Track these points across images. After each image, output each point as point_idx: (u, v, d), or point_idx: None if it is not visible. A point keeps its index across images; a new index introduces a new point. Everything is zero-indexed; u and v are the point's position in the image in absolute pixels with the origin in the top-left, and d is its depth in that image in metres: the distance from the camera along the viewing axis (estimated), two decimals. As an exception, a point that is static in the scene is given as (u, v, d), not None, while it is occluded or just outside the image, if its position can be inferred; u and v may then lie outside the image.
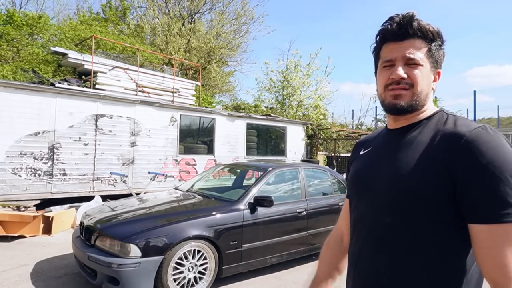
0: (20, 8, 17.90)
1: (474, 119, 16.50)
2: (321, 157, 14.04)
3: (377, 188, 1.00)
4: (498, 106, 17.92)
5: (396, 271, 0.92)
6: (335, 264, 1.28)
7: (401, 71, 0.96)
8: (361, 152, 1.18)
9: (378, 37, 1.04)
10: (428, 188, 0.88)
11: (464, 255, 0.87)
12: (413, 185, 0.90)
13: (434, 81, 1.02)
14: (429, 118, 1.00)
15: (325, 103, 19.30)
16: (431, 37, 0.97)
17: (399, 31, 0.97)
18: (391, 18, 1.00)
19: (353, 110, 27.47)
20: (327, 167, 6.35)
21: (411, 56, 0.96)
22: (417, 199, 0.90)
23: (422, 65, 0.96)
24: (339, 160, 13.89)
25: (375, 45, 1.06)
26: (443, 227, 0.88)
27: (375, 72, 1.09)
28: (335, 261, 1.28)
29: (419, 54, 0.96)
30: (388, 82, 0.99)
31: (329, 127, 15.37)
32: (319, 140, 14.31)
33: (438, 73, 1.02)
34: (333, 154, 14.36)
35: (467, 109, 17.59)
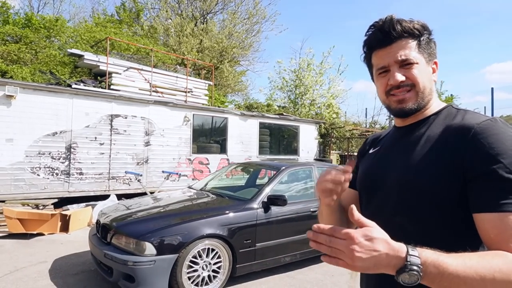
0: (38, 12, 18.41)
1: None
2: (334, 156, 13.93)
3: (386, 187, 1.00)
4: (517, 103, 17.41)
5: None
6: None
7: (398, 76, 0.96)
8: (371, 151, 1.18)
9: (365, 47, 1.04)
10: (437, 185, 0.86)
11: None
12: (422, 183, 0.89)
13: (433, 72, 1.01)
14: (437, 113, 1.00)
15: (338, 102, 19.10)
16: (417, 34, 0.96)
17: (384, 37, 0.97)
18: (373, 26, 1.00)
19: (366, 109, 27.09)
20: (340, 166, 6.28)
21: (404, 57, 0.95)
22: (426, 197, 0.88)
23: (417, 63, 0.96)
24: (352, 159, 13.73)
25: (364, 55, 1.07)
26: (454, 225, 0.86)
27: (372, 79, 1.09)
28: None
29: (411, 53, 0.95)
30: (388, 88, 0.99)
31: (342, 126, 15.22)
32: (332, 139, 14.20)
33: (435, 64, 1.01)
34: (346, 153, 14.22)
35: (485, 107, 17.07)
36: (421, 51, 0.97)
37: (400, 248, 0.70)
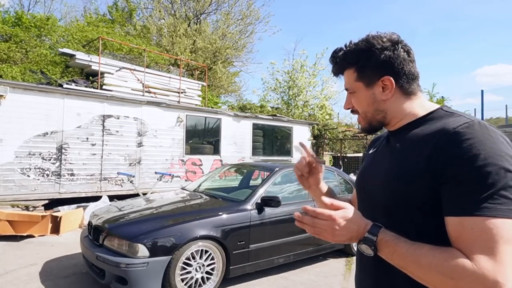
0: (29, 10, 18.15)
1: (482, 119, 16.22)
2: (327, 157, 13.99)
3: (372, 189, 1.04)
4: (506, 105, 17.66)
5: (394, 271, 0.91)
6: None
7: (345, 104, 1.11)
8: (370, 151, 1.22)
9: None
10: (415, 189, 0.88)
11: None
12: (400, 186, 0.92)
13: (386, 89, 1.00)
14: (424, 117, 0.99)
15: (331, 103, 19.23)
16: (354, 61, 1.02)
17: (334, 68, 1.09)
18: (331, 56, 1.10)
19: (359, 110, 27.20)
20: (333, 167, 6.32)
21: (346, 87, 1.07)
22: (405, 200, 0.91)
23: (354, 92, 1.05)
24: (346, 160, 13.83)
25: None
26: (436, 228, 0.87)
27: None
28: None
29: (350, 82, 1.05)
30: None
31: (335, 127, 15.32)
32: (325, 140, 14.27)
33: (387, 80, 0.99)
34: (339, 154, 14.30)
35: (475, 109, 17.46)
36: (359, 78, 1.03)
37: (367, 226, 0.87)
